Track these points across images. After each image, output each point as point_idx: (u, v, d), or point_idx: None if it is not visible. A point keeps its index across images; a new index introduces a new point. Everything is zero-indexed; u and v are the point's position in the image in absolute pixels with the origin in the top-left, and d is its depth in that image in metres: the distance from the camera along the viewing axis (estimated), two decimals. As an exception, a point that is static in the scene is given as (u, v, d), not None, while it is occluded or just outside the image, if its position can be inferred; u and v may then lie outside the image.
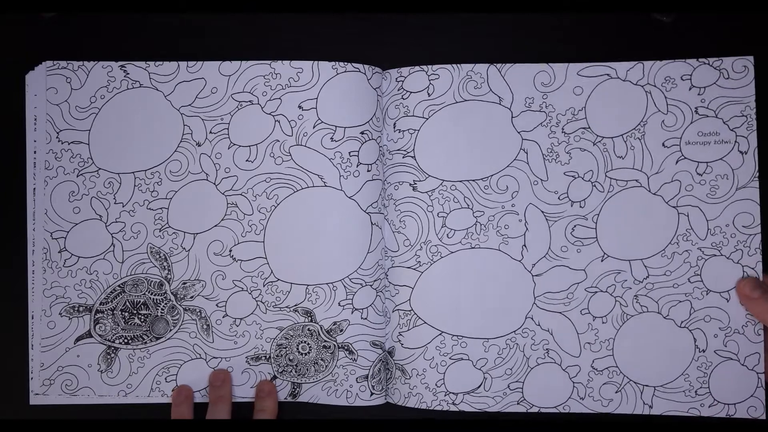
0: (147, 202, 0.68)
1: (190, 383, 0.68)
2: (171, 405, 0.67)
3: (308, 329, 0.67)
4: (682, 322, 0.67)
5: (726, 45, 0.69)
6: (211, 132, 0.68)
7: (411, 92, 0.68)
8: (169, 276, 0.68)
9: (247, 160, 0.68)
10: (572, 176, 0.68)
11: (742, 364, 0.66)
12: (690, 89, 0.67)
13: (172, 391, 0.68)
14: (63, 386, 0.68)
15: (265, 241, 0.68)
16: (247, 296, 0.68)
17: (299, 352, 0.68)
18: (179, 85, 0.68)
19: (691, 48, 0.69)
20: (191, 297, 0.68)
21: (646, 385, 0.67)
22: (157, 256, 0.68)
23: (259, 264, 0.68)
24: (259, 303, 0.68)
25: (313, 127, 0.67)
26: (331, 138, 0.67)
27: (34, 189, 0.68)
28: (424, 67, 0.68)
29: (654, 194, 0.67)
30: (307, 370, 0.68)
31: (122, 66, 0.68)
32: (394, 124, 0.68)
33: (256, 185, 0.68)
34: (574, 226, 0.68)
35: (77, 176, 0.68)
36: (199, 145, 0.68)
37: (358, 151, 0.67)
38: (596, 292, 0.67)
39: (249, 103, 0.68)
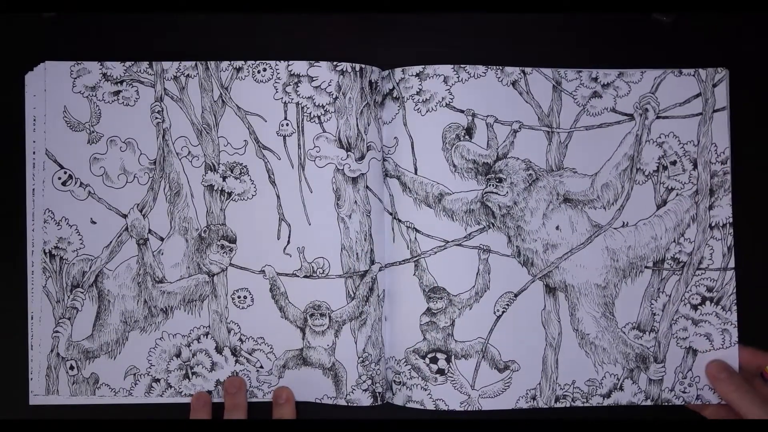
0: (147, 201, 0.69)
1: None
2: (177, 406, 0.68)
3: None
4: None
5: (727, 45, 0.69)
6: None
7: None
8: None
9: None
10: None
11: None
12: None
13: (191, 396, 0.68)
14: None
15: None
16: None
17: None
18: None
19: (691, 49, 0.69)
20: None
21: None
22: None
23: None
24: None
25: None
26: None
27: (34, 189, 0.68)
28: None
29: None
30: None
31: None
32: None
33: None
34: None
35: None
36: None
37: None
38: None
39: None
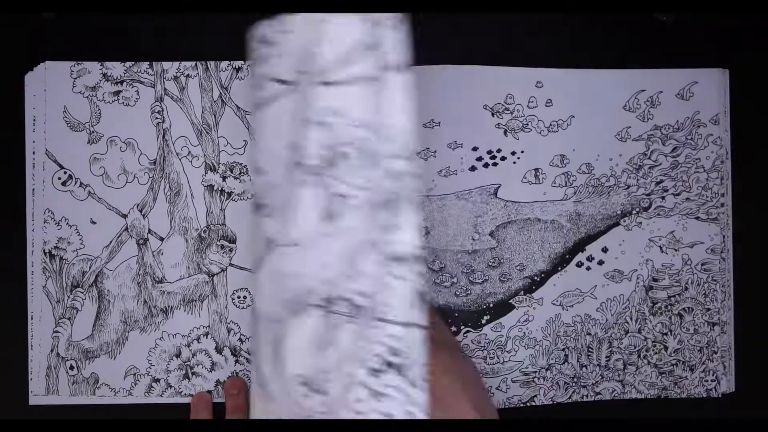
0: (147, 202, 0.69)
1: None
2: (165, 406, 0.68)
3: None
4: None
5: (727, 45, 0.69)
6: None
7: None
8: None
9: None
10: None
11: None
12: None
13: (192, 396, 0.68)
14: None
15: None
16: None
17: None
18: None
19: (691, 48, 0.69)
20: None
21: None
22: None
23: None
24: None
25: None
26: None
27: (33, 189, 0.68)
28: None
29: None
30: None
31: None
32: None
33: None
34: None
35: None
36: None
37: None
38: None
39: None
